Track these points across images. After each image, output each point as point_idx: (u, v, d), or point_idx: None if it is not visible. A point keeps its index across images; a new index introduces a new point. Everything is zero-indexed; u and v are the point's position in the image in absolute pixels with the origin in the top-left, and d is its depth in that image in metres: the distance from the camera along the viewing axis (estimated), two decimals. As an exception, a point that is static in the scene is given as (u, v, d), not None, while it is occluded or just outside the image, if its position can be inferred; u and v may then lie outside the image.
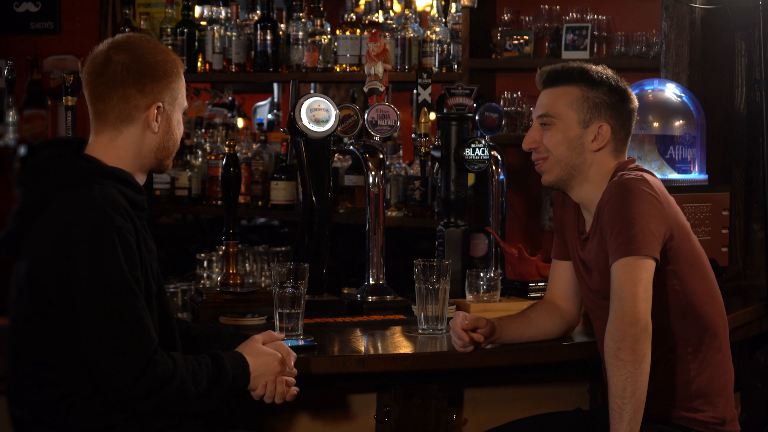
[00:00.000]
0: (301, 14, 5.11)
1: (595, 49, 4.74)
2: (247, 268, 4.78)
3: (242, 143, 5.42)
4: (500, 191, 3.74)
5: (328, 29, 5.12)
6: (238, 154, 3.54)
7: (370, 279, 3.49)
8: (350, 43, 4.96)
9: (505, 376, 3.19)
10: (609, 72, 2.95)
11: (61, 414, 2.49)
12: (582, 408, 3.13)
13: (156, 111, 2.60)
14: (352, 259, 4.78)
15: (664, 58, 4.11)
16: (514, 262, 3.55)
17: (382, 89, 3.56)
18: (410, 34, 4.89)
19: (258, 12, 5.21)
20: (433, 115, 3.74)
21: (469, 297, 3.36)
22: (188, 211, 5.72)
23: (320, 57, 5.04)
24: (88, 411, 2.49)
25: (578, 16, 4.79)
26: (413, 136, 3.74)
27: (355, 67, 4.96)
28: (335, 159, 5.05)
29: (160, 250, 2.72)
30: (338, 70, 5.01)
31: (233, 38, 5.22)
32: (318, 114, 3.37)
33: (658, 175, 3.16)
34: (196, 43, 5.32)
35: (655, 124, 3.89)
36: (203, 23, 5.36)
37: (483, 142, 3.62)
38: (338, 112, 3.40)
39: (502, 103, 4.88)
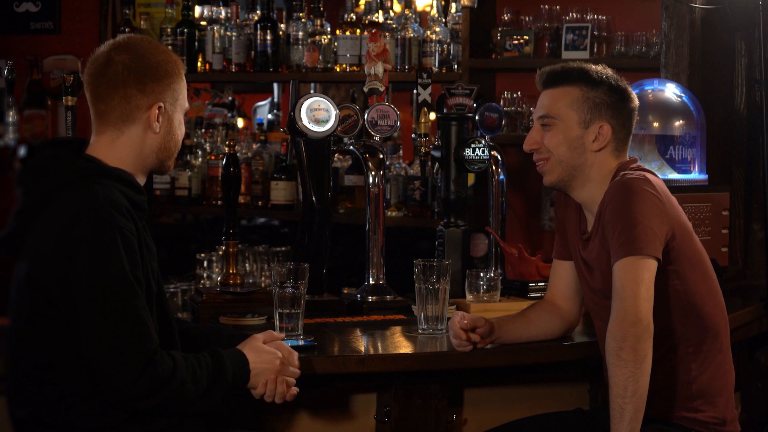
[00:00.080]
0: (301, 14, 5.11)
1: (595, 49, 4.74)
2: (247, 268, 4.78)
3: (242, 143, 5.42)
4: (500, 191, 3.74)
5: (328, 29, 5.12)
6: (238, 154, 3.54)
7: (370, 279, 3.49)
8: (350, 43, 4.96)
9: (505, 376, 3.19)
10: (609, 71, 2.95)
11: (61, 414, 2.49)
12: (582, 408, 3.13)
13: (157, 111, 2.61)
14: (352, 259, 4.78)
15: (664, 58, 4.11)
16: (514, 262, 3.55)
17: (382, 89, 3.56)
18: (410, 34, 4.89)
19: (258, 12, 5.21)
20: (433, 115, 3.74)
21: (469, 297, 3.35)
22: (188, 211, 5.72)
23: (320, 57, 5.04)
24: (88, 411, 2.49)
25: (578, 16, 4.79)
26: (413, 136, 3.74)
27: (355, 67, 4.96)
28: (335, 159, 5.05)
29: (160, 250, 2.72)
30: (338, 70, 5.01)
31: (233, 38, 5.22)
32: (318, 114, 3.37)
33: (659, 175, 3.16)
34: (196, 43, 5.32)
35: (655, 124, 3.89)
36: (203, 23, 5.36)
37: (483, 142, 3.62)
38: (338, 112, 3.40)
39: (502, 103, 4.88)
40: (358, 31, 4.98)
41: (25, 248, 2.51)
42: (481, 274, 3.37)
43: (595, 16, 4.77)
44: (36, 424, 2.52)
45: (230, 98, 5.85)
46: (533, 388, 3.24)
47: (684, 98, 3.93)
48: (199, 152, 5.44)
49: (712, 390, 2.85)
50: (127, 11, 5.39)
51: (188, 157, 5.40)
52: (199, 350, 2.67)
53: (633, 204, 2.75)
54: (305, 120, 3.36)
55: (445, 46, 4.87)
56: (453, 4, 4.91)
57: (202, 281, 4.61)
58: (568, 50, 4.72)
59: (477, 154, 3.61)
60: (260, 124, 5.99)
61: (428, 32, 4.88)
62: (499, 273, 3.55)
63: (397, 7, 5.16)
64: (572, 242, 3.02)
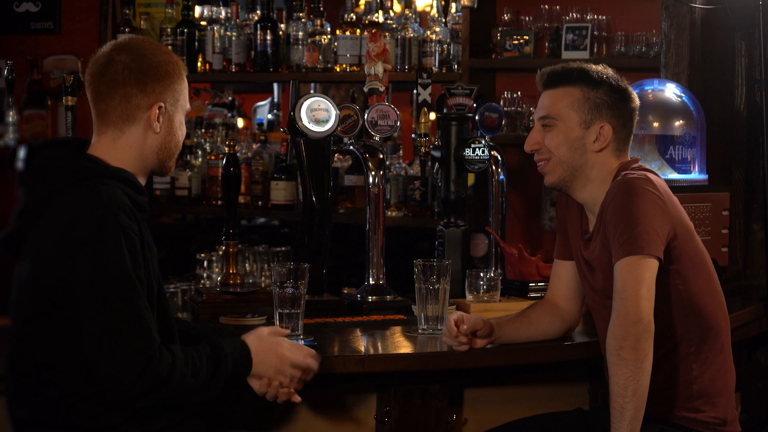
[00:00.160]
0: (301, 14, 5.12)
1: (595, 49, 4.74)
2: (247, 268, 4.78)
3: (242, 143, 5.42)
4: (500, 191, 3.74)
5: (328, 29, 5.12)
6: (238, 154, 3.54)
7: (370, 279, 3.49)
8: (350, 43, 4.96)
9: (505, 376, 3.18)
10: (609, 71, 2.95)
11: (61, 414, 2.49)
12: (582, 408, 3.13)
13: (158, 111, 2.61)
14: (352, 259, 4.78)
15: (664, 58, 4.11)
16: (514, 262, 3.55)
17: (382, 89, 3.56)
18: (410, 34, 4.89)
19: (258, 12, 5.21)
20: (433, 115, 3.74)
21: (469, 297, 3.35)
22: (188, 211, 5.72)
23: (320, 57, 5.04)
24: (89, 411, 2.49)
25: (578, 16, 4.79)
26: (413, 136, 3.74)
27: (355, 67, 4.96)
28: (335, 159, 5.05)
29: (160, 250, 2.72)
30: (338, 70, 5.01)
31: (233, 38, 5.22)
32: (318, 114, 3.37)
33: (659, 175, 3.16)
34: (196, 43, 5.32)
35: (655, 124, 3.89)
36: (203, 23, 5.36)
37: (483, 142, 3.62)
38: (338, 112, 3.40)
39: (502, 103, 4.88)
40: (358, 31, 4.98)
41: (27, 248, 2.51)
42: (481, 274, 3.37)
43: (595, 16, 4.77)
44: (36, 424, 2.52)
45: (230, 98, 5.85)
46: (533, 388, 3.24)
47: (684, 98, 3.93)
48: (199, 152, 5.44)
49: (712, 390, 2.85)
50: (127, 11, 5.39)
51: (188, 157, 5.40)
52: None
53: (634, 203, 2.75)
54: (305, 120, 3.36)
55: (445, 46, 4.87)
56: (453, 4, 4.91)
57: (202, 281, 4.61)
58: (568, 50, 4.72)
59: (477, 154, 3.61)
60: (260, 124, 5.99)
61: (428, 32, 4.88)
62: (499, 273, 3.55)
63: (397, 7, 5.16)
64: (574, 242, 3.02)
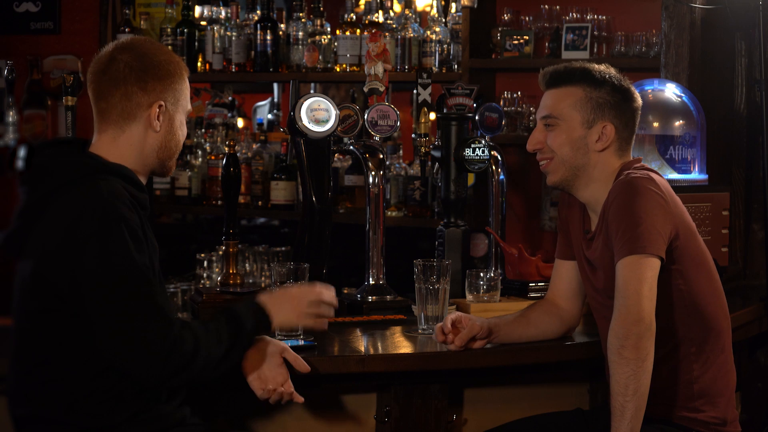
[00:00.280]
0: (301, 14, 5.11)
1: (595, 49, 4.74)
2: (247, 268, 4.78)
3: (242, 143, 5.42)
4: (500, 191, 3.74)
5: (328, 29, 5.12)
6: (238, 154, 3.54)
7: (370, 279, 3.49)
8: (350, 43, 4.96)
9: (505, 376, 3.18)
10: (612, 71, 2.95)
11: (62, 413, 2.49)
12: (582, 408, 3.13)
13: (158, 110, 2.62)
14: (352, 259, 4.78)
15: (664, 58, 4.11)
16: (514, 262, 3.55)
17: (382, 89, 3.56)
18: (410, 34, 4.89)
19: (258, 12, 5.21)
20: (433, 115, 3.74)
21: (469, 297, 3.35)
22: (188, 211, 5.72)
23: (320, 57, 5.04)
24: (89, 410, 2.49)
25: (578, 16, 4.79)
26: (413, 136, 3.74)
27: (355, 67, 4.96)
28: (335, 159, 5.05)
29: (160, 250, 2.73)
30: (338, 70, 5.01)
31: (233, 38, 5.22)
32: (318, 114, 3.36)
33: (660, 175, 3.16)
34: (196, 43, 5.32)
35: (655, 124, 3.89)
36: (203, 23, 5.36)
37: (483, 142, 3.62)
38: (338, 112, 3.40)
39: (502, 103, 4.88)
40: (358, 31, 4.98)
41: (29, 246, 2.52)
42: (481, 274, 3.37)
43: (595, 16, 4.77)
44: (37, 423, 2.52)
45: (230, 98, 5.85)
46: (533, 388, 3.24)
47: (684, 98, 3.93)
48: (199, 152, 5.44)
49: (713, 390, 2.85)
50: (127, 11, 5.39)
51: (188, 157, 5.40)
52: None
53: (637, 203, 2.75)
54: (305, 120, 3.36)
55: (445, 46, 4.87)
56: (453, 4, 4.91)
57: (202, 281, 4.61)
58: (568, 50, 4.72)
59: (477, 154, 3.61)
60: (260, 124, 5.99)
61: (428, 32, 4.88)
62: (499, 273, 3.55)
63: (397, 7, 5.16)
64: (576, 242, 3.02)
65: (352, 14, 5.11)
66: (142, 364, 2.45)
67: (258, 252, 4.82)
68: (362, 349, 3.06)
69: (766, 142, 3.95)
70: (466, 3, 4.73)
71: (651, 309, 2.68)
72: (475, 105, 3.77)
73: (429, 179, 4.65)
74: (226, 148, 3.47)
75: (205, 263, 4.66)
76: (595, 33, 4.74)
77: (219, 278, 3.55)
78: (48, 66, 5.37)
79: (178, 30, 5.30)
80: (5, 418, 2.62)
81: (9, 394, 2.58)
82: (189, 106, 2.71)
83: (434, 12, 4.95)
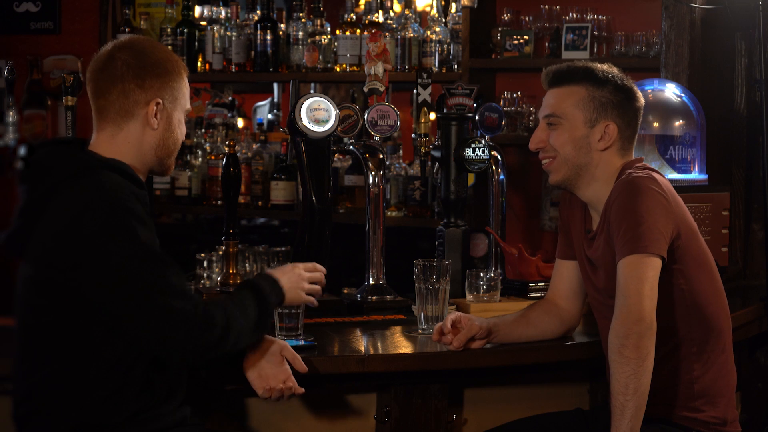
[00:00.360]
0: (301, 14, 5.11)
1: (595, 49, 4.74)
2: (247, 268, 4.78)
3: (242, 143, 5.42)
4: (500, 191, 3.74)
5: (328, 29, 5.12)
6: (238, 154, 3.54)
7: (370, 279, 3.49)
8: (350, 43, 4.96)
9: (505, 376, 3.19)
10: (615, 71, 2.95)
11: (62, 411, 2.49)
12: (582, 408, 3.13)
13: (155, 107, 2.62)
14: (352, 259, 4.78)
15: (664, 58, 4.11)
16: (514, 262, 3.55)
17: (382, 89, 3.56)
18: (410, 34, 4.89)
19: (258, 12, 5.21)
20: (433, 115, 3.74)
21: (469, 297, 3.35)
22: (188, 211, 5.72)
23: (320, 57, 5.04)
24: (90, 409, 2.49)
25: (578, 16, 4.78)
26: (413, 136, 3.74)
27: (355, 67, 4.95)
28: (335, 159, 5.05)
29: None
30: (338, 70, 5.01)
31: (233, 38, 5.22)
32: (318, 114, 3.36)
33: (662, 175, 3.16)
34: (196, 43, 5.32)
35: (655, 124, 3.89)
36: (203, 23, 5.36)
37: (483, 142, 3.62)
38: (338, 112, 3.40)
39: (502, 103, 4.88)
40: (358, 31, 4.98)
41: (33, 244, 2.51)
42: (481, 274, 3.37)
43: (595, 16, 4.76)
44: (37, 421, 2.52)
45: (230, 98, 5.85)
46: (533, 388, 3.24)
47: (684, 98, 3.93)
48: (199, 152, 5.44)
49: (714, 390, 2.85)
50: (127, 11, 5.39)
51: (188, 157, 5.40)
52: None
53: (639, 202, 2.76)
54: (305, 120, 3.36)
55: (445, 46, 4.87)
56: (453, 4, 4.91)
57: (202, 281, 4.61)
58: (568, 50, 4.72)
59: (477, 154, 3.61)
60: (260, 124, 5.99)
61: (428, 32, 4.87)
62: (499, 273, 3.55)
63: (397, 7, 5.16)
64: (577, 241, 3.02)
65: (352, 14, 5.11)
66: (176, 348, 2.48)
67: (258, 252, 4.82)
68: (362, 349, 3.06)
69: (766, 142, 3.95)
70: (466, 3, 4.73)
71: (652, 308, 2.68)
72: (475, 105, 3.77)
73: (429, 179, 4.65)
74: (226, 148, 3.47)
75: (205, 263, 4.66)
76: (595, 33, 4.74)
77: (219, 278, 3.55)
78: (48, 66, 5.37)
79: (178, 30, 5.30)
80: (5, 419, 2.62)
81: (14, 393, 2.58)
82: (188, 105, 2.71)
83: (434, 12, 4.95)
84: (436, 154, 3.69)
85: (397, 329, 3.26)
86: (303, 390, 2.71)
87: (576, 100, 2.92)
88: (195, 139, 5.50)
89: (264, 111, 6.43)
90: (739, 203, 4.28)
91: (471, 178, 3.92)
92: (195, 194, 5.38)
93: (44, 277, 2.49)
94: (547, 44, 4.85)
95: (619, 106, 2.91)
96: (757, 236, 4.28)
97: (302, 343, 2.91)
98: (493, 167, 3.72)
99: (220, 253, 4.57)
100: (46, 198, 2.51)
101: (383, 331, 3.25)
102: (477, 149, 3.60)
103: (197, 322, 2.48)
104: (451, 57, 4.87)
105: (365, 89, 3.57)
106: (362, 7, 5.14)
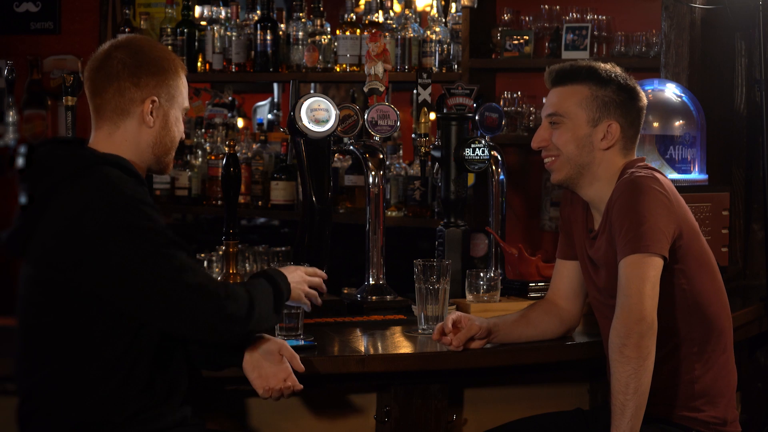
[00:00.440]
0: (301, 14, 5.11)
1: (595, 49, 4.74)
2: (247, 268, 4.78)
3: (242, 143, 5.42)
4: (500, 191, 3.74)
5: (328, 29, 5.12)
6: (238, 154, 3.54)
7: (370, 279, 3.49)
8: (350, 43, 4.96)
9: (505, 376, 3.19)
10: (618, 70, 2.95)
11: (63, 411, 2.49)
12: (582, 408, 3.13)
13: (151, 105, 2.62)
14: (352, 259, 4.78)
15: (664, 58, 4.11)
16: (514, 262, 3.55)
17: (382, 89, 3.56)
18: (410, 34, 4.89)
19: (258, 12, 5.21)
20: (433, 115, 3.74)
21: (469, 297, 3.35)
22: (188, 211, 5.72)
23: (320, 57, 5.04)
24: (91, 409, 2.49)
25: (578, 16, 4.78)
26: (413, 136, 3.74)
27: (355, 67, 4.95)
28: (335, 159, 5.05)
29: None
30: (338, 70, 5.01)
31: (233, 38, 5.22)
32: (318, 114, 3.36)
33: (664, 175, 3.16)
34: (196, 43, 5.32)
35: (655, 124, 3.89)
36: (203, 23, 5.36)
37: (483, 142, 3.62)
38: (338, 112, 3.40)
39: (502, 103, 4.88)
40: (358, 31, 4.98)
41: (35, 243, 2.51)
42: (481, 274, 3.37)
43: (595, 16, 4.76)
44: (38, 421, 2.52)
45: (230, 98, 5.85)
46: (533, 388, 3.24)
47: (684, 98, 3.93)
48: (199, 152, 5.44)
49: (714, 390, 2.85)
50: (127, 11, 5.39)
51: (188, 157, 5.40)
52: (200, 350, 2.69)
53: (641, 202, 2.76)
54: (305, 120, 3.36)
55: (445, 46, 4.87)
56: (453, 4, 4.91)
57: (202, 281, 4.60)
58: (568, 50, 4.72)
59: (477, 154, 3.61)
60: (260, 124, 5.99)
61: (428, 32, 4.87)
62: (499, 273, 3.55)
63: (397, 7, 5.16)
64: (578, 240, 3.02)
65: (352, 14, 5.11)
66: (203, 333, 2.51)
67: (258, 252, 4.82)
68: (362, 349, 3.06)
69: (766, 142, 3.95)
70: (466, 3, 4.73)
71: (653, 308, 2.68)
72: (475, 105, 3.77)
73: (429, 179, 4.65)
74: (226, 148, 3.47)
75: (205, 263, 4.65)
76: (595, 33, 4.74)
77: (219, 278, 3.55)
78: (48, 66, 5.37)
79: (178, 30, 5.30)
80: (6, 419, 2.62)
81: (19, 393, 2.58)
82: (186, 104, 2.71)
83: (434, 12, 4.95)
84: (436, 154, 3.69)
85: (397, 329, 3.26)
86: (302, 387, 2.71)
87: (579, 99, 2.92)
88: (195, 139, 5.50)
89: (264, 111, 6.43)
90: (739, 203, 4.28)
91: (471, 178, 3.92)
92: (195, 194, 5.38)
93: (46, 276, 2.49)
94: (547, 44, 4.85)
95: (622, 105, 2.92)
96: (757, 236, 4.28)
97: (302, 343, 2.91)
98: (493, 167, 3.72)
99: (220, 253, 4.56)
100: (46, 197, 2.51)
101: (383, 331, 3.25)
102: (477, 149, 3.60)
103: (222, 296, 2.50)
104: (451, 57, 4.87)
105: (365, 89, 3.57)
106: (362, 7, 5.14)
